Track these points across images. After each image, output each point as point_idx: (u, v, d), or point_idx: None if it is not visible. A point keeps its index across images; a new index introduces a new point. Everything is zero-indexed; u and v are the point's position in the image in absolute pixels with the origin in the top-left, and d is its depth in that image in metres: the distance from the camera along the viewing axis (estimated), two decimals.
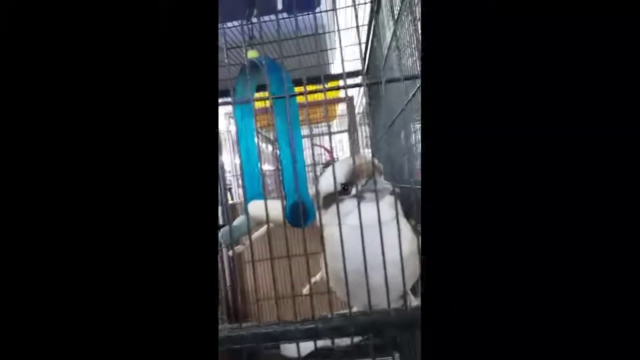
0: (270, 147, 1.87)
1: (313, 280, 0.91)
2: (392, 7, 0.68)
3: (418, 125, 0.58)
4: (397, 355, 1.02)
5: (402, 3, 0.58)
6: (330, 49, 1.01)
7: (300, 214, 0.54)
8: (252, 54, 0.71)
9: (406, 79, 0.36)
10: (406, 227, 0.42)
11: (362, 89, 1.12)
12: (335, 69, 1.15)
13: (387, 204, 0.39)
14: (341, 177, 0.42)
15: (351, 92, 1.34)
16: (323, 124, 1.55)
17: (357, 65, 0.99)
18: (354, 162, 0.41)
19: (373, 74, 0.97)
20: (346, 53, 0.95)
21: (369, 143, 1.16)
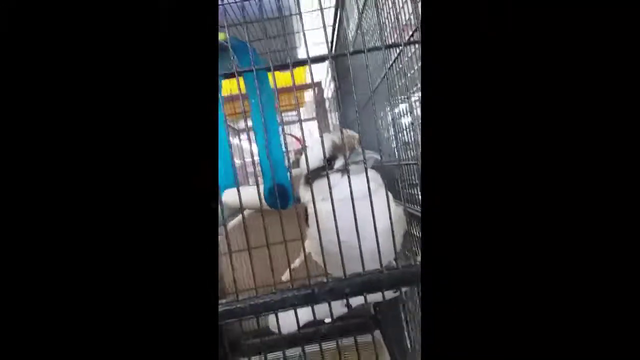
0: (237, 139, 1.83)
1: (292, 266, 0.92)
2: None
3: (392, 105, 0.59)
4: (377, 332, 1.05)
5: None
6: (296, 32, 1.00)
7: (279, 196, 0.54)
8: (220, 36, 0.69)
9: (369, 50, 0.37)
10: (389, 198, 0.44)
11: (329, 76, 1.12)
12: (302, 53, 1.14)
13: (369, 177, 0.40)
14: (326, 152, 0.43)
15: (318, 77, 1.34)
16: (291, 112, 1.54)
17: (324, 49, 0.99)
18: (341, 134, 0.41)
19: (340, 58, 0.98)
20: (313, 36, 0.94)
21: (339, 128, 1.17)
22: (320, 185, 0.41)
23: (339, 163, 0.44)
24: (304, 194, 0.45)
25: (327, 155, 0.43)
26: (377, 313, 1.05)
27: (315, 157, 0.43)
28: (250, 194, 0.64)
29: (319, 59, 0.46)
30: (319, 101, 1.41)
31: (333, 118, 1.37)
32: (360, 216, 0.34)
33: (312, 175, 0.44)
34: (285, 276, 0.88)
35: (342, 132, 0.42)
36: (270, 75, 0.44)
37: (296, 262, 0.89)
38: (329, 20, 0.82)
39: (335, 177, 0.41)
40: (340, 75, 0.98)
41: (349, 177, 0.34)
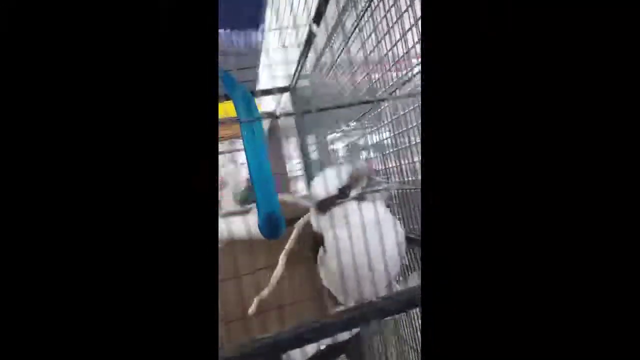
0: None
1: (258, 297, 0.89)
2: (327, 31, 0.75)
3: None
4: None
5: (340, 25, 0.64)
6: (256, 65, 1.02)
7: (274, 225, 0.55)
8: None
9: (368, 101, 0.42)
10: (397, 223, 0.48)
11: (282, 102, 1.16)
12: (260, 85, 1.17)
13: (380, 204, 0.43)
14: (341, 181, 0.45)
15: (270, 106, 1.37)
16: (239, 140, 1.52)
17: (283, 82, 1.03)
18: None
19: (300, 93, 1.03)
20: (275, 70, 0.98)
21: (294, 154, 1.20)
22: (336, 213, 0.43)
23: (354, 192, 0.46)
24: (319, 221, 0.47)
25: (344, 184, 0.46)
26: (348, 339, 1.05)
27: (331, 185, 0.45)
28: (236, 224, 0.63)
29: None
30: (271, 129, 1.44)
31: (285, 146, 1.40)
32: (375, 241, 0.38)
33: (322, 206, 0.46)
34: (252, 309, 0.86)
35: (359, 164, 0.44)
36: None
37: (264, 292, 0.87)
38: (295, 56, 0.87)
39: (352, 205, 0.44)
40: (299, 105, 1.03)
41: (377, 202, 0.37)
